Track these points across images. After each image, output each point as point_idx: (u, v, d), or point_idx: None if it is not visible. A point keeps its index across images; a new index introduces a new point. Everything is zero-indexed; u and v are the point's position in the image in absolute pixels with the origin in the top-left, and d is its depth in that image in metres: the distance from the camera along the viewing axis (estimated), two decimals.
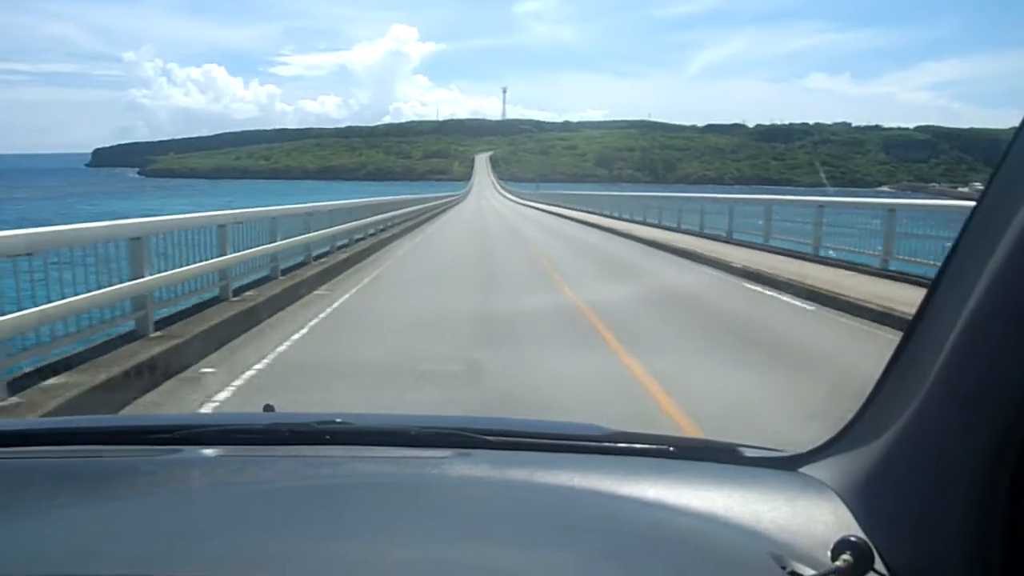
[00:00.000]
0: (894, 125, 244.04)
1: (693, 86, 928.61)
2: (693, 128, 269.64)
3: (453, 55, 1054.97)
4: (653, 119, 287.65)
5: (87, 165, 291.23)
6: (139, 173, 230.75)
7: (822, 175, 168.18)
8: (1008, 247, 0.71)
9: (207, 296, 8.64)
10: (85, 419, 2.53)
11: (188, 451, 1.29)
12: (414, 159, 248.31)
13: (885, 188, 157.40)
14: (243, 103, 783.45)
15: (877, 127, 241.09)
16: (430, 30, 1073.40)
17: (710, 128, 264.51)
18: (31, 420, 4.05)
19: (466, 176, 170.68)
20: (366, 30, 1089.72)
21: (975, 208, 0.81)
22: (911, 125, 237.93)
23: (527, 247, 20.79)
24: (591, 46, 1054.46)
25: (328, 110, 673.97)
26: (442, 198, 52.54)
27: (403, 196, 32.55)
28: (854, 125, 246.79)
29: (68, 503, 1.10)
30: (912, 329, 0.92)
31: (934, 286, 0.88)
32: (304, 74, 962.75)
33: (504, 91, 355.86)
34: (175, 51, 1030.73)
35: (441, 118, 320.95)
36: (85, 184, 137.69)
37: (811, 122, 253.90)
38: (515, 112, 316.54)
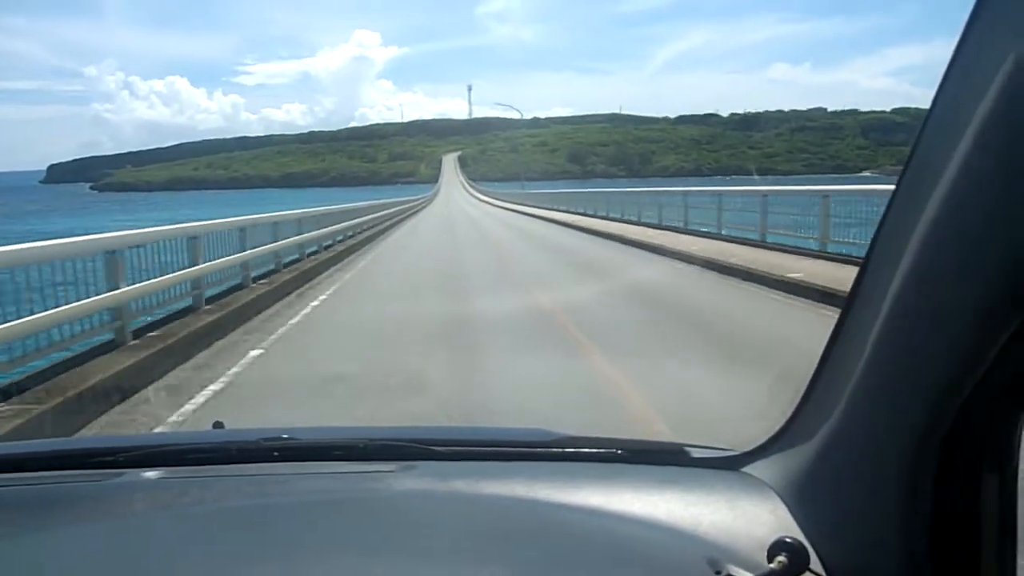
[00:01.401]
0: (869, 109, 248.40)
1: (660, 80, 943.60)
2: (665, 120, 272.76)
3: (417, 58, 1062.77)
4: (624, 112, 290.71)
5: (41, 182, 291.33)
6: (92, 188, 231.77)
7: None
8: (924, 230, 0.72)
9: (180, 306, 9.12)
10: (21, 444, 2.59)
11: (131, 474, 1.28)
12: (379, 162, 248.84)
13: (867, 173, 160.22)
14: (207, 114, 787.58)
15: (854, 111, 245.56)
16: (393, 34, 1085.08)
17: (682, 119, 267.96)
18: None
19: (433, 178, 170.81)
20: (328, 36, 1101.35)
21: (895, 191, 0.82)
22: (888, 108, 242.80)
23: (508, 265, 16.78)
24: (553, 45, 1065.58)
25: (293, 118, 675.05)
26: (404, 203, 48.14)
27: (351, 204, 25.88)
28: (830, 110, 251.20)
29: (3, 534, 1.10)
30: (841, 321, 0.93)
31: (860, 276, 0.88)
32: (267, 83, 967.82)
33: (469, 89, 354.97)
34: (137, 64, 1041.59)
35: (406, 120, 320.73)
36: (30, 203, 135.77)
37: (786, 108, 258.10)
38: (482, 112, 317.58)
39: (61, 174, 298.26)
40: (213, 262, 10.17)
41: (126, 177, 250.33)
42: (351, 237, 22.54)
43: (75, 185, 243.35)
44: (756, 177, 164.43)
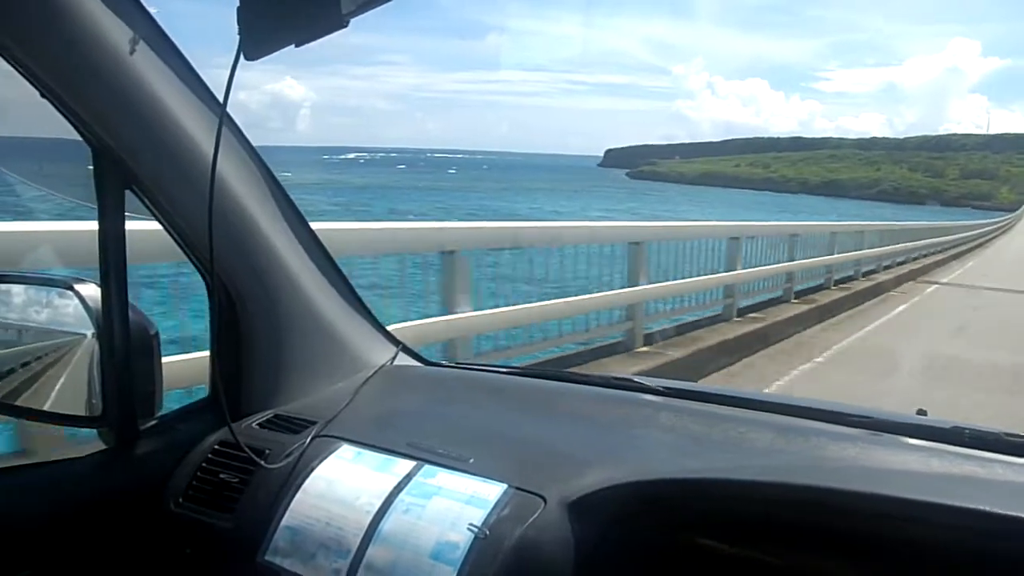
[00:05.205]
0: None
1: None
2: None
3: (1021, 72, 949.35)
4: None
5: (598, 165, 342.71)
6: (628, 175, 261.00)
7: None
8: None
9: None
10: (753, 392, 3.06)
11: (881, 437, 1.28)
12: (947, 179, 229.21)
13: None
14: (783, 118, 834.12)
15: None
16: (995, 44, 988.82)
17: None
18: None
19: (1016, 204, 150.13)
20: (920, 45, 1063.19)
21: None
22: None
23: None
24: None
25: (868, 128, 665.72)
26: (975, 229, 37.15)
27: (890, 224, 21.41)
28: None
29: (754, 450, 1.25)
30: None
31: None
32: (848, 90, 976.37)
33: None
34: (721, 65, 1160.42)
35: (991, 132, 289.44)
36: (561, 181, 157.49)
37: None
38: None
39: (614, 159, 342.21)
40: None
41: (660, 167, 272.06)
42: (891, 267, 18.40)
43: (619, 171, 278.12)
44: None
